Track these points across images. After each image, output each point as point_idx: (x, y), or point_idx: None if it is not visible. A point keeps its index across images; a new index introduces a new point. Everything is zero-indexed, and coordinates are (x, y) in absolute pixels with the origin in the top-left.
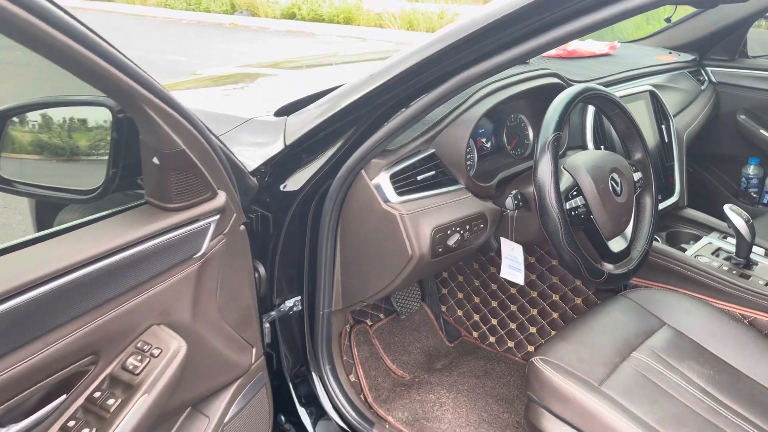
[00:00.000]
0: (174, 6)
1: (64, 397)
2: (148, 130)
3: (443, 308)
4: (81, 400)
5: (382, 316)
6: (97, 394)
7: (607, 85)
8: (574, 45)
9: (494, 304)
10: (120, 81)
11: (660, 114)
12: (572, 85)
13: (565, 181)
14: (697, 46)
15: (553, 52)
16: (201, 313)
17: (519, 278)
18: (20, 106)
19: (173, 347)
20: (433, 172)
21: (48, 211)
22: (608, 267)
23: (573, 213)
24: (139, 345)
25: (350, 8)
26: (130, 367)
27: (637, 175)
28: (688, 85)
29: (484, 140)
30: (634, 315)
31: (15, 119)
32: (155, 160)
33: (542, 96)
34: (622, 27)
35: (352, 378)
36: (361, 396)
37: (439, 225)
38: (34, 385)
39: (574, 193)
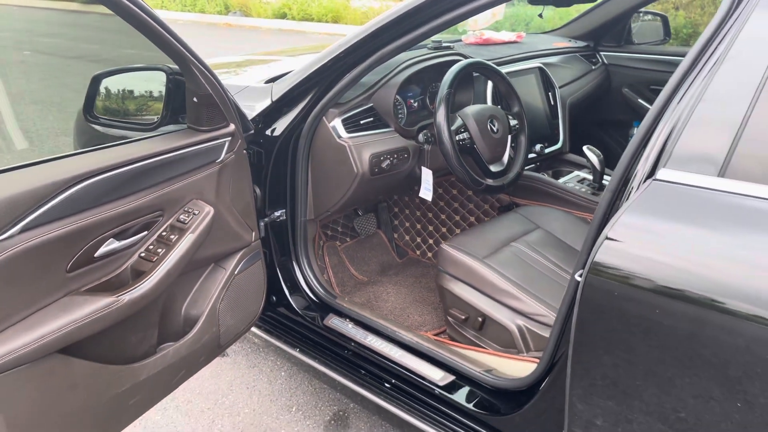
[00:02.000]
0: (170, 7)
1: (146, 232)
2: (190, 80)
3: (395, 235)
4: (154, 237)
5: (348, 239)
6: (164, 234)
7: (508, 62)
8: (488, 34)
9: (431, 228)
10: (177, 47)
11: (547, 84)
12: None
13: (457, 123)
14: (593, 35)
15: (471, 40)
16: (220, 198)
17: (429, 196)
18: (110, 70)
19: (206, 210)
20: (372, 119)
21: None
22: (489, 181)
23: (461, 143)
24: (186, 209)
25: (338, 7)
26: (181, 219)
27: (513, 122)
28: (579, 64)
29: (412, 100)
30: (518, 222)
31: (106, 79)
32: (195, 99)
33: (477, 72)
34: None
35: (325, 277)
36: (331, 289)
37: (375, 152)
38: (131, 219)
39: (462, 130)
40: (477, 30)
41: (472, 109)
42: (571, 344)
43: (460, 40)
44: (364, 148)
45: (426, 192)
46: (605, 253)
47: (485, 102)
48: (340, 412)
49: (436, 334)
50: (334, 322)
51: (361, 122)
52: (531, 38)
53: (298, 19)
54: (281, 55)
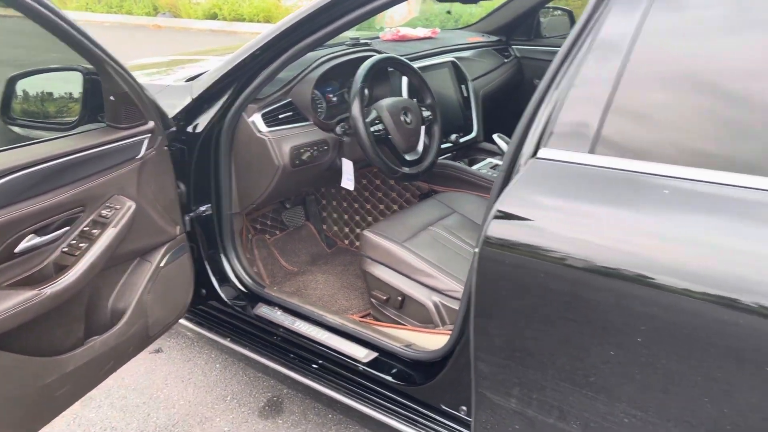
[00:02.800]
0: (96, 9)
1: (68, 228)
2: (106, 79)
3: (324, 226)
4: (77, 232)
5: (278, 232)
6: (86, 228)
7: (422, 57)
8: (404, 31)
9: (357, 218)
10: (90, 47)
11: (460, 77)
12: (399, 61)
13: (372, 115)
14: (505, 29)
15: (388, 36)
16: (142, 193)
17: (350, 186)
18: (26, 71)
19: (127, 204)
20: (291, 113)
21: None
22: (405, 169)
23: (376, 134)
24: (107, 204)
25: (270, 7)
26: (103, 214)
27: (426, 113)
28: (492, 58)
29: (331, 95)
30: (436, 208)
31: (22, 80)
32: (111, 98)
33: (391, 67)
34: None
35: (255, 270)
36: (261, 280)
37: (295, 145)
38: (52, 215)
39: (377, 122)
40: (393, 27)
41: (386, 102)
42: (472, 313)
43: (378, 37)
44: (283, 142)
45: (347, 182)
46: (495, 226)
47: (401, 95)
48: (274, 398)
49: (362, 316)
50: (263, 310)
51: (280, 117)
52: (446, 34)
53: (230, 20)
54: (209, 54)
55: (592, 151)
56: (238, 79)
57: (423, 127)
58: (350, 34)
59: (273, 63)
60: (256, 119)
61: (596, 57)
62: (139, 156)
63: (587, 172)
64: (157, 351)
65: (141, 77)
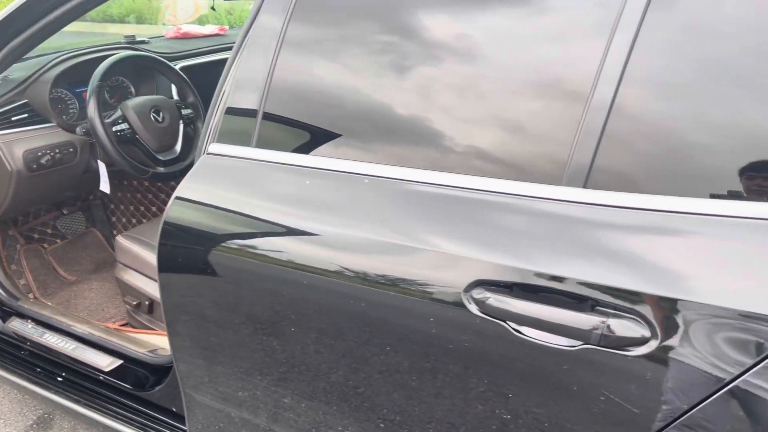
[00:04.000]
0: None
1: None
2: None
3: (114, 231)
4: None
5: (59, 241)
6: None
7: (203, 54)
8: (187, 28)
9: (144, 221)
10: None
11: None
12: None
13: (115, 115)
14: None
15: (171, 34)
16: None
17: (106, 188)
18: None
19: None
20: (27, 115)
21: None
22: (160, 169)
23: (119, 134)
24: None
25: (140, 6)
26: None
27: (187, 111)
28: None
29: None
30: None
31: None
32: None
33: (144, 65)
34: None
35: (22, 282)
36: (30, 295)
37: (30, 148)
38: None
39: (120, 121)
40: (177, 24)
41: (132, 101)
42: (162, 308)
43: (163, 35)
44: (15, 145)
45: (104, 185)
46: (163, 224)
47: (171, 94)
48: (46, 415)
49: (122, 324)
50: (14, 324)
51: (13, 119)
52: (236, 31)
53: (98, 20)
54: None
55: (252, 145)
56: None
57: (182, 125)
58: (127, 31)
59: None
60: None
61: (250, 58)
62: None
63: (249, 164)
64: None
65: None
